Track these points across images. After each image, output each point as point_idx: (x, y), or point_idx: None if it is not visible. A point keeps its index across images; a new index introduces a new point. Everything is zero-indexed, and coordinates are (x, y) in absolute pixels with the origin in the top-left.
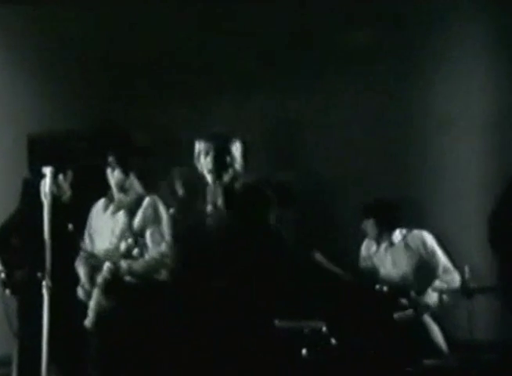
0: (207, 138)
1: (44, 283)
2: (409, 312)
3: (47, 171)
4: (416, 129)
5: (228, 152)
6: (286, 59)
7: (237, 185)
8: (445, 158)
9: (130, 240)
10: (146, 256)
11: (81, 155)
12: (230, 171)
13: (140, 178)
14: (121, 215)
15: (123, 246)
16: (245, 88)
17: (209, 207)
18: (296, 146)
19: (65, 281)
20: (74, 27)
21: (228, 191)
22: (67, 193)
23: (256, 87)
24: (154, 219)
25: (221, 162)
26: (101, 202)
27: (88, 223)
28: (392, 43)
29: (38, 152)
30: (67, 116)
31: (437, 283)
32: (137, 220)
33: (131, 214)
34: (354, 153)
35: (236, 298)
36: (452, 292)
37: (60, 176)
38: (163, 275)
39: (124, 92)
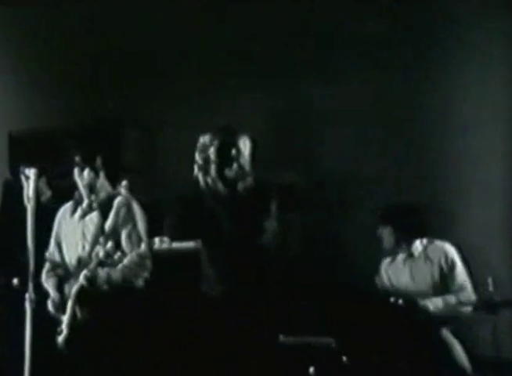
0: (212, 131)
1: (26, 295)
2: (427, 326)
3: (31, 173)
4: (440, 129)
5: (235, 145)
6: (293, 48)
7: (241, 185)
8: (470, 162)
9: (110, 245)
10: (125, 260)
11: (66, 154)
12: (235, 166)
13: (110, 177)
14: (93, 217)
15: (101, 252)
16: (247, 81)
17: (207, 208)
18: (304, 144)
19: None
20: (56, 22)
21: (230, 190)
22: (47, 193)
23: (259, 79)
24: (129, 219)
25: (225, 154)
26: (67, 206)
27: (53, 230)
28: (416, 41)
29: (21, 152)
30: (51, 113)
31: (450, 298)
32: (110, 222)
33: (103, 216)
34: (369, 153)
35: (236, 309)
36: (465, 306)
37: (43, 177)
38: (143, 280)
39: (110, 87)
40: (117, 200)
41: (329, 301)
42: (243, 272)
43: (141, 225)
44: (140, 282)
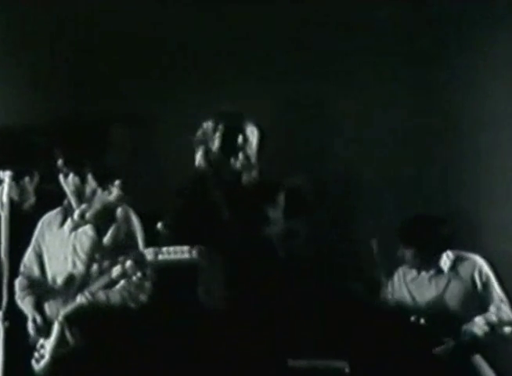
0: (216, 116)
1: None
2: (452, 346)
3: (5, 175)
4: (462, 129)
5: (242, 132)
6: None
7: (246, 178)
8: (498, 165)
9: (129, 263)
10: (123, 282)
11: (45, 153)
12: (240, 155)
13: (100, 181)
14: (87, 231)
15: (115, 272)
16: (253, 71)
17: (209, 203)
18: (314, 143)
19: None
20: (32, 9)
21: (233, 184)
22: (31, 199)
23: (266, 70)
24: (129, 235)
25: (230, 140)
26: (53, 215)
27: (33, 241)
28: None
29: None
30: (27, 108)
31: (488, 316)
32: (109, 237)
33: (100, 229)
34: (388, 155)
35: (240, 330)
36: (506, 325)
37: (26, 179)
38: (141, 302)
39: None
40: (118, 214)
41: (341, 318)
42: (244, 283)
43: (142, 243)
44: (137, 306)
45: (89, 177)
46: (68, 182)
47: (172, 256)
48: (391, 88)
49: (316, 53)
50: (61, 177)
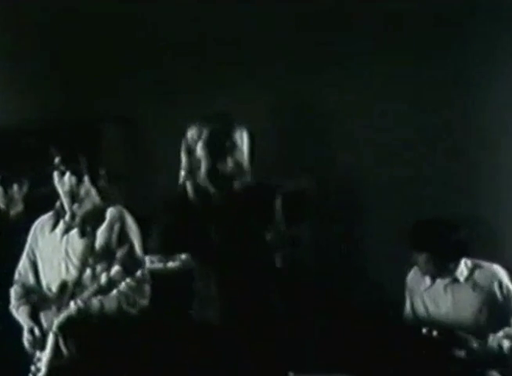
0: (200, 120)
1: None
2: (467, 361)
3: None
4: (487, 130)
5: (228, 136)
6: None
7: (238, 185)
8: None
9: (117, 268)
10: (120, 286)
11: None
12: (229, 161)
13: (97, 183)
14: (78, 233)
15: (104, 277)
16: (248, 69)
17: (195, 215)
18: (314, 143)
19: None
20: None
21: (223, 191)
22: (19, 207)
23: (262, 67)
24: (124, 237)
25: (216, 146)
26: (46, 218)
27: (27, 247)
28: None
29: None
30: (18, 109)
31: (509, 331)
32: (101, 240)
33: (92, 231)
34: (394, 156)
35: (239, 343)
36: None
37: (15, 186)
38: (139, 308)
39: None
40: (110, 213)
41: (346, 330)
42: (241, 296)
43: (138, 244)
44: (136, 311)
45: (86, 178)
46: (64, 182)
47: (165, 265)
48: (394, 85)
49: (312, 52)
50: (56, 176)
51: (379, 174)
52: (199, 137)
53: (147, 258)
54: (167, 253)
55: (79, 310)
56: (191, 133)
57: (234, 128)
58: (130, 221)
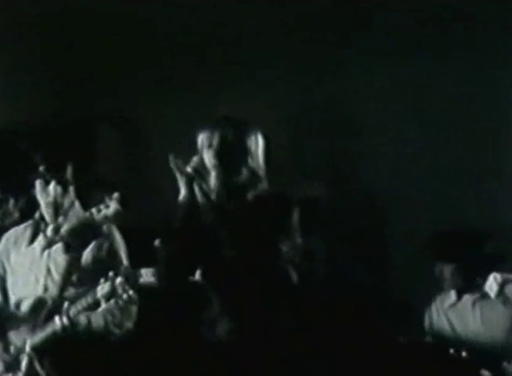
0: (211, 125)
1: None
2: None
3: None
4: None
5: (242, 142)
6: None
7: (251, 195)
8: None
9: (119, 280)
10: (107, 304)
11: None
12: (244, 171)
13: (83, 193)
14: (61, 249)
15: (101, 290)
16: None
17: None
18: (331, 147)
19: None
20: None
21: (236, 203)
22: (14, 215)
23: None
24: (113, 255)
25: (229, 154)
26: (21, 230)
27: None
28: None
29: None
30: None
31: None
32: (88, 256)
33: (77, 247)
34: (418, 161)
35: (245, 360)
36: None
37: (11, 201)
38: (124, 329)
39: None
40: (100, 230)
41: (365, 351)
42: (252, 313)
43: (126, 262)
44: (121, 333)
45: (71, 188)
46: (48, 192)
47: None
48: (421, 82)
49: (330, 46)
50: (38, 185)
51: (401, 180)
52: (209, 144)
53: (144, 271)
54: (172, 268)
55: (64, 327)
56: (200, 139)
57: (248, 133)
58: (118, 237)
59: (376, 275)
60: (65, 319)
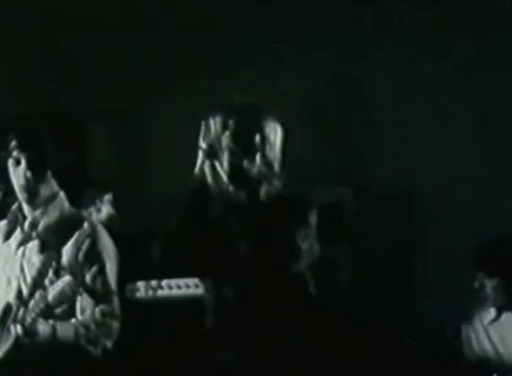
0: (226, 109)
1: None
2: None
3: None
4: None
5: (260, 129)
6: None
7: (266, 191)
8: None
9: (68, 278)
10: (82, 316)
11: None
12: (258, 161)
13: (71, 190)
14: (37, 246)
15: (52, 291)
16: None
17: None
18: (355, 144)
19: None
20: None
21: (248, 199)
22: None
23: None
24: (94, 257)
25: (245, 141)
26: (2, 225)
27: None
28: None
29: None
30: None
31: None
32: (65, 258)
33: (55, 246)
34: (455, 160)
35: None
36: None
37: None
38: (101, 348)
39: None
40: (84, 226)
41: (393, 373)
42: (264, 329)
43: (110, 268)
44: (98, 351)
45: (49, 174)
46: (18, 173)
47: (174, 292)
48: (454, 77)
49: (352, 27)
50: (11, 165)
51: (435, 182)
52: (224, 128)
53: (145, 284)
54: (175, 273)
55: (18, 338)
56: (214, 123)
57: (266, 121)
58: (105, 239)
59: (407, 287)
60: (19, 329)
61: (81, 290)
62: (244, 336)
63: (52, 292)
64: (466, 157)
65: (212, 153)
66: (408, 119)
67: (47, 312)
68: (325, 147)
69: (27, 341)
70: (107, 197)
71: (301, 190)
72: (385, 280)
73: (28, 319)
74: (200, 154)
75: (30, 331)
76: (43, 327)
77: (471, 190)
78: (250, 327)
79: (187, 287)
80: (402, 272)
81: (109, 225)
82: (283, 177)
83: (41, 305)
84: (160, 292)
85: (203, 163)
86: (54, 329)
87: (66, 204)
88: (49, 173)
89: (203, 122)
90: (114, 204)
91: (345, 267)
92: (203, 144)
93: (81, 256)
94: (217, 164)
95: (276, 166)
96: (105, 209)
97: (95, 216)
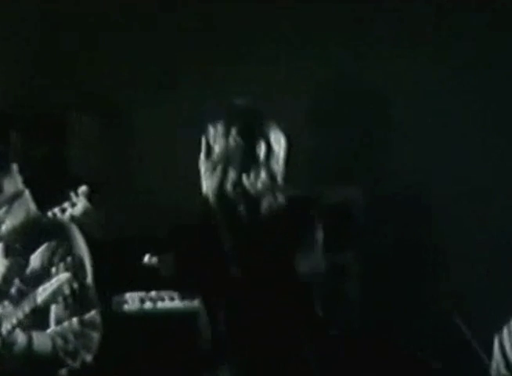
0: (228, 113)
1: None
2: None
3: None
4: None
5: (264, 136)
6: None
7: (267, 203)
8: None
9: (66, 275)
10: (59, 327)
11: None
12: (263, 172)
13: (34, 178)
14: (2, 251)
15: (43, 293)
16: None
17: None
18: (361, 142)
19: None
20: None
21: (251, 207)
22: None
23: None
24: (70, 263)
25: (248, 152)
26: None
27: None
28: None
29: None
30: None
31: None
32: (35, 264)
33: (22, 251)
34: (470, 158)
35: None
36: None
37: None
38: (82, 360)
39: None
40: (54, 230)
41: None
42: (264, 350)
43: (89, 274)
44: (76, 364)
45: (14, 167)
46: None
47: (165, 304)
48: (466, 75)
49: (362, 26)
50: None
51: (449, 183)
52: (225, 135)
53: (128, 296)
54: (171, 282)
55: None
56: (214, 130)
57: (271, 128)
58: (80, 242)
59: (422, 299)
60: None
61: (76, 288)
62: (240, 353)
63: (43, 294)
64: (481, 159)
65: (212, 169)
66: (417, 117)
67: (31, 318)
68: (326, 148)
69: (7, 352)
70: (82, 189)
71: (306, 196)
72: (397, 288)
73: (5, 328)
74: (205, 174)
75: (7, 341)
76: (21, 337)
77: (489, 192)
78: (248, 346)
79: (182, 299)
80: (414, 281)
81: (84, 221)
82: (284, 190)
83: (26, 310)
84: (148, 304)
85: (208, 182)
86: (30, 338)
87: (32, 206)
88: (14, 166)
89: (203, 138)
90: (89, 196)
91: (353, 274)
92: (204, 160)
93: (54, 262)
94: (222, 181)
95: (279, 178)
96: (80, 204)
97: (69, 211)
